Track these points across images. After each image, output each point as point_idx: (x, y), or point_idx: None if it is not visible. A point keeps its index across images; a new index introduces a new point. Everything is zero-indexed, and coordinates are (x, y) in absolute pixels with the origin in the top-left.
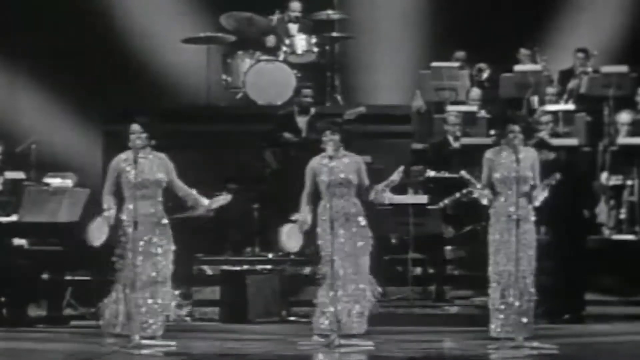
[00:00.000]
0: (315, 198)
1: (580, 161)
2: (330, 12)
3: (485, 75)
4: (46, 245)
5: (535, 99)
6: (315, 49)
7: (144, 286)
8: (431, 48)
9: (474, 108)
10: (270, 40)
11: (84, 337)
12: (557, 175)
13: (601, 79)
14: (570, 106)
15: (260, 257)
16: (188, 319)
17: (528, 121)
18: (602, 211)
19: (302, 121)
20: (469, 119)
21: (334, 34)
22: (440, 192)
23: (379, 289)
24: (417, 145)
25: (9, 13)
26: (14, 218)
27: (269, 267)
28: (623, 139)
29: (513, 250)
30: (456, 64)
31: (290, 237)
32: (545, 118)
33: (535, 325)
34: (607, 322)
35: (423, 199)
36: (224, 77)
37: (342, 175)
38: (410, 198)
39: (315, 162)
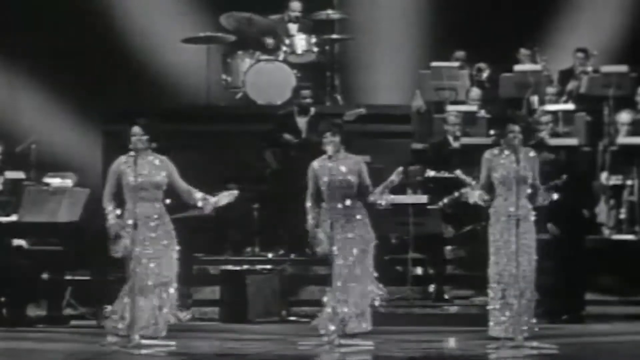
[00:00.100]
0: (320, 199)
1: (580, 161)
2: (330, 12)
3: (485, 75)
4: (46, 245)
5: (535, 99)
6: (315, 49)
7: (147, 287)
8: (431, 48)
9: (473, 108)
10: (270, 42)
11: (84, 337)
12: (564, 177)
13: (601, 78)
14: (570, 106)
15: (260, 257)
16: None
17: (528, 121)
18: (602, 211)
19: (302, 121)
20: (468, 119)
21: (334, 36)
22: (440, 192)
23: (383, 292)
24: (417, 145)
25: (9, 13)
26: (13, 218)
27: (269, 267)
28: (623, 139)
29: (513, 250)
30: (456, 64)
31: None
32: (545, 118)
33: (536, 325)
34: (607, 322)
35: (423, 198)
36: (223, 77)
37: (341, 177)
38: (410, 198)
39: (316, 163)
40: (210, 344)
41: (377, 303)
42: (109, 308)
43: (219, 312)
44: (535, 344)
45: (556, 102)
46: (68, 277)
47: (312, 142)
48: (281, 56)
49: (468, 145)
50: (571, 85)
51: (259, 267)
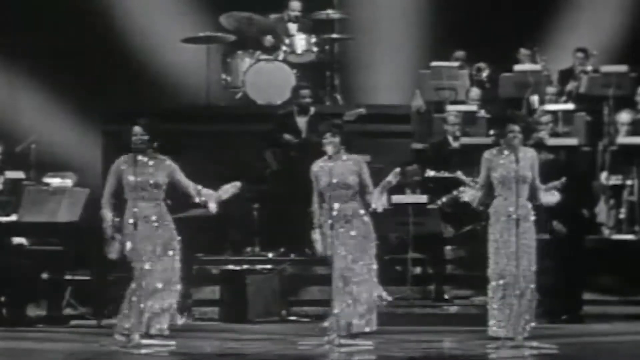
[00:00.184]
0: (323, 200)
1: (579, 161)
2: (330, 11)
3: (484, 74)
4: (46, 245)
5: (535, 99)
6: (315, 49)
7: (148, 287)
8: (431, 48)
9: (473, 108)
10: (269, 40)
11: (84, 337)
12: (563, 179)
13: (601, 78)
14: (570, 106)
15: (260, 257)
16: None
17: (528, 121)
18: (602, 211)
19: (301, 121)
20: (468, 119)
21: (334, 36)
22: (440, 191)
23: (385, 294)
24: (417, 145)
25: (9, 13)
26: (13, 218)
27: (269, 267)
28: (623, 139)
29: (513, 250)
30: (456, 64)
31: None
32: (545, 118)
33: (535, 325)
34: (607, 321)
35: (422, 198)
36: (223, 76)
37: (340, 178)
38: (409, 198)
39: (316, 165)
40: (210, 344)
41: (380, 303)
42: (121, 309)
43: (219, 312)
44: (535, 344)
45: (556, 102)
46: (68, 277)
47: (312, 142)
48: (281, 56)
49: (468, 145)
50: (571, 85)
51: (259, 267)
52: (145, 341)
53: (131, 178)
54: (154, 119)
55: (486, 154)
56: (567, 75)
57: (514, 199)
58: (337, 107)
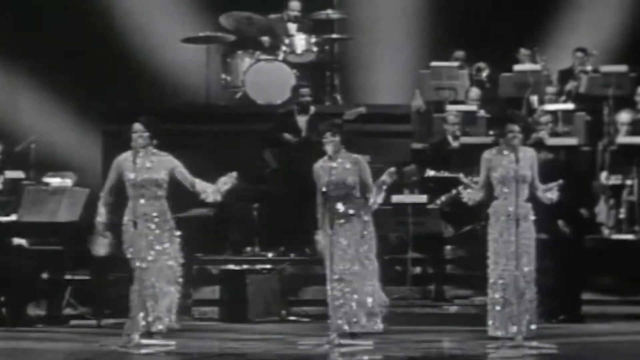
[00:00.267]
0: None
1: (579, 161)
2: (329, 11)
3: (484, 74)
4: (46, 245)
5: (534, 99)
6: (315, 49)
7: (148, 286)
8: (431, 48)
9: (473, 107)
10: (266, 40)
11: (84, 337)
12: (560, 181)
13: (601, 78)
14: (570, 106)
15: (260, 257)
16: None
17: (527, 121)
18: (602, 211)
19: (302, 120)
20: (468, 119)
21: (334, 36)
22: (440, 191)
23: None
24: (417, 145)
25: (9, 13)
26: (13, 218)
27: (269, 266)
28: (622, 139)
29: (513, 250)
30: (456, 64)
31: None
32: (545, 118)
33: (535, 325)
34: (607, 321)
35: (422, 198)
36: (223, 76)
37: (339, 178)
38: (409, 197)
39: (317, 165)
40: (209, 343)
41: (382, 302)
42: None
43: (219, 311)
44: (535, 343)
45: (556, 101)
46: (68, 277)
47: (312, 142)
48: (281, 56)
49: (468, 145)
50: (570, 85)
51: (259, 266)
52: (145, 341)
53: (131, 176)
54: (154, 117)
55: (486, 154)
56: (566, 75)
57: (513, 199)
58: (337, 107)
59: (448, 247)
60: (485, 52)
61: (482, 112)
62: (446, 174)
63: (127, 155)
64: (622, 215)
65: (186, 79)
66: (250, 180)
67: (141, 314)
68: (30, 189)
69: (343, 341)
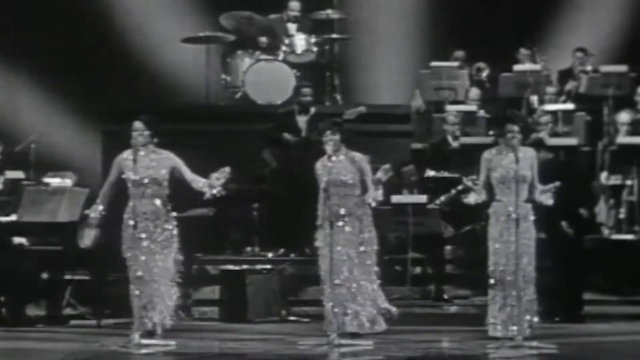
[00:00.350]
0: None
1: (579, 161)
2: (329, 11)
3: (484, 74)
4: (46, 244)
5: (534, 99)
6: (315, 49)
7: (146, 284)
8: (431, 48)
9: (473, 108)
10: (263, 41)
11: (84, 337)
12: (558, 183)
13: (600, 78)
14: (570, 106)
15: (260, 257)
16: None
17: (527, 121)
18: (602, 211)
19: (302, 120)
20: (468, 119)
21: (334, 36)
22: (440, 191)
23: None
24: (417, 145)
25: (9, 13)
26: (13, 218)
27: (268, 266)
28: (622, 139)
29: (513, 250)
30: (455, 64)
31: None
32: (544, 118)
33: (535, 325)
34: (607, 321)
35: (422, 198)
36: (223, 76)
37: (338, 176)
38: (409, 198)
39: (318, 164)
40: (209, 343)
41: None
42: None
43: (219, 312)
44: (535, 343)
45: (555, 101)
46: (68, 277)
47: (311, 141)
48: (281, 56)
49: (467, 145)
50: (570, 85)
51: (258, 266)
52: (145, 341)
53: (131, 174)
54: (155, 116)
55: (485, 154)
56: (566, 75)
57: (513, 199)
58: (336, 107)
59: (448, 247)
60: (485, 52)
61: (482, 112)
62: (446, 174)
63: (127, 153)
64: (622, 216)
65: (186, 79)
66: (250, 180)
67: (140, 314)
68: (30, 189)
69: (343, 341)
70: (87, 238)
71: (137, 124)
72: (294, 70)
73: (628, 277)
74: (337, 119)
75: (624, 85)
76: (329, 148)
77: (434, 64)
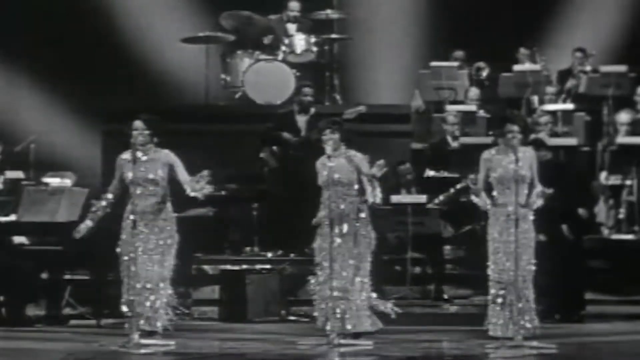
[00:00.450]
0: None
1: (579, 161)
2: (329, 11)
3: (484, 74)
4: (45, 244)
5: (534, 99)
6: (314, 49)
7: (144, 283)
8: (431, 48)
9: (473, 107)
10: (268, 38)
11: (83, 337)
12: (550, 190)
13: (600, 78)
14: (570, 106)
15: (259, 257)
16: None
17: (527, 121)
18: (601, 211)
19: (302, 120)
20: (468, 119)
21: (333, 36)
22: (440, 192)
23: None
24: (417, 145)
25: (9, 13)
26: (13, 218)
27: (268, 266)
28: (622, 139)
29: (512, 250)
30: (455, 64)
31: None
32: (544, 119)
33: (535, 325)
34: (607, 321)
35: (422, 198)
36: (223, 76)
37: (337, 175)
38: (409, 197)
39: (319, 162)
40: (209, 343)
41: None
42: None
43: (219, 311)
44: (534, 343)
45: (555, 101)
46: (67, 277)
47: (311, 141)
48: (280, 56)
49: (467, 145)
50: (570, 85)
51: (258, 266)
52: (145, 341)
53: (129, 174)
54: (155, 115)
55: (485, 154)
56: (566, 75)
57: (513, 199)
58: (336, 107)
59: (447, 247)
60: (485, 52)
61: (481, 112)
62: (446, 174)
63: (127, 154)
64: (621, 215)
65: (186, 79)
66: (249, 180)
67: (139, 314)
68: (29, 189)
69: (343, 341)
70: (83, 228)
71: (137, 123)
72: (293, 70)
73: (627, 277)
74: (336, 118)
75: (624, 85)
76: (328, 147)
77: (433, 64)
